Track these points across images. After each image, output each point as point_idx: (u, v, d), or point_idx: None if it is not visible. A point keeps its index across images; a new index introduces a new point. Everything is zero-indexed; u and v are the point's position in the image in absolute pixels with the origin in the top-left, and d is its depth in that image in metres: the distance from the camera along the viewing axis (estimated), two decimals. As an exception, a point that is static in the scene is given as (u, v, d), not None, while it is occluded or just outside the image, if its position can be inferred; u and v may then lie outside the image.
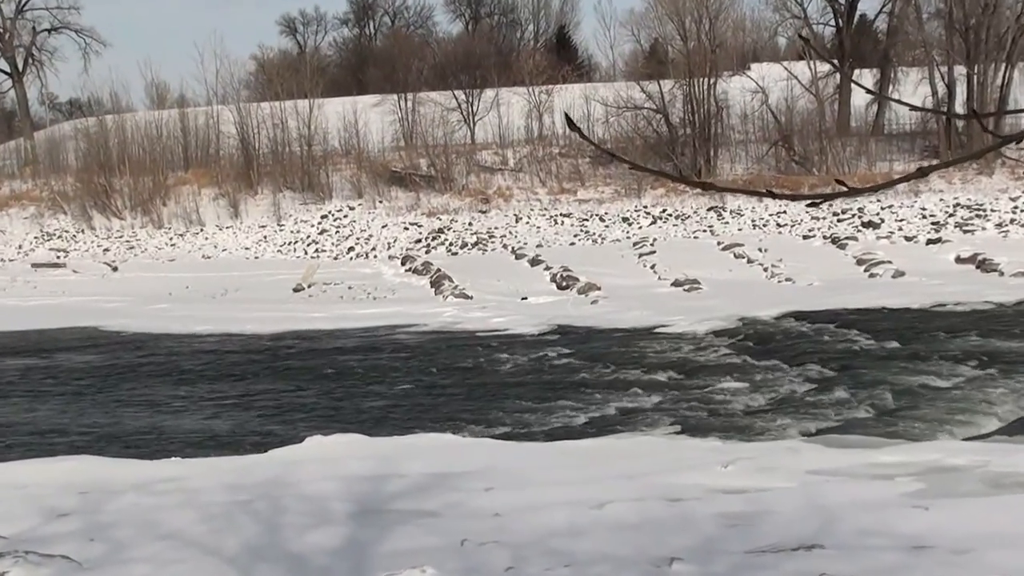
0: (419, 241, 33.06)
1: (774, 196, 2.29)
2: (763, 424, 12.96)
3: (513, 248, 31.31)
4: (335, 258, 32.59)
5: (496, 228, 33.63)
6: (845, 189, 2.28)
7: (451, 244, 32.63)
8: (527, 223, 33.94)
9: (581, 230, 32.95)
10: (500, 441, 11.59)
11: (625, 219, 33.44)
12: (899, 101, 2.43)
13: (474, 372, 17.41)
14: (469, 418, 14.03)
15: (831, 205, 32.05)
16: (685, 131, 37.45)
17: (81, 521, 7.51)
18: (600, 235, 32.33)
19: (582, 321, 21.51)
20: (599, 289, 24.92)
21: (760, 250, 28.19)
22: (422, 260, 29.97)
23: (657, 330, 20.21)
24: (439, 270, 27.89)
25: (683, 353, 18.00)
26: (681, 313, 21.37)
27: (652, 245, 29.90)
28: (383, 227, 34.80)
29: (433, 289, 26.50)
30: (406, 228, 34.44)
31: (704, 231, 31.69)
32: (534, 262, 28.86)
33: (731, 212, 33.04)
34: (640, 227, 32.77)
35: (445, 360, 18.44)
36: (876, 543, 6.20)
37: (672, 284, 25.39)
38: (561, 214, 34.33)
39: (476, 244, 32.32)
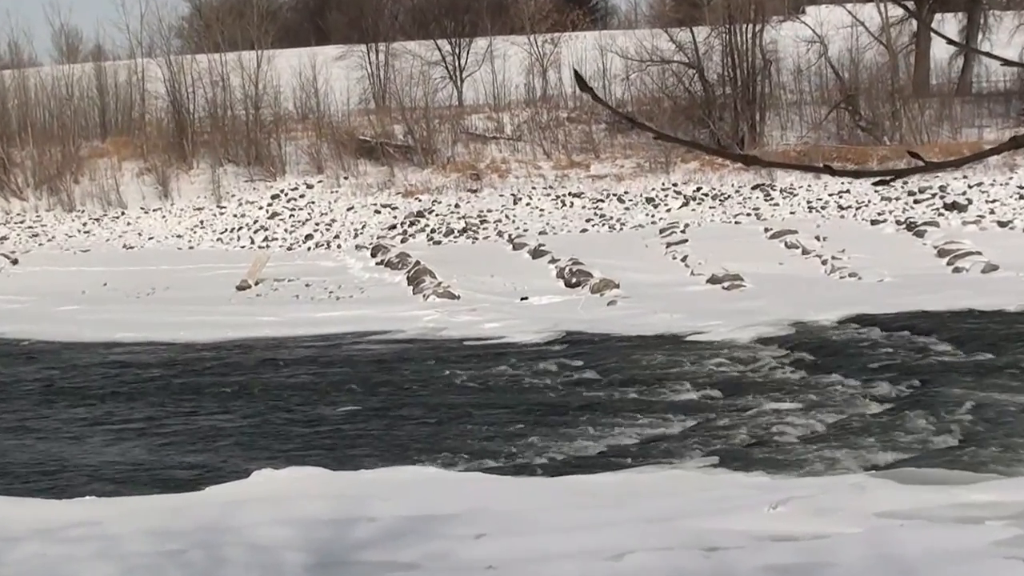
0: (393, 227, 33.09)
1: (834, 172, 2.30)
2: (821, 455, 13.01)
3: (510, 236, 31.34)
4: (289, 249, 32.64)
5: (489, 211, 33.66)
6: (923, 163, 2.29)
7: (433, 231, 32.66)
8: (528, 205, 34.00)
9: (595, 213, 32.98)
10: (494, 476, 11.61)
11: (650, 200, 33.48)
12: (990, 55, 2.43)
13: (461, 390, 17.46)
14: (455, 447, 14.10)
15: (905, 183, 32.09)
16: (724, 91, 37.46)
17: (-28, 576, 7.51)
18: (618, 220, 32.35)
19: (595, 327, 21.55)
20: (617, 287, 24.96)
21: (818, 238, 28.26)
22: (397, 251, 29.91)
23: (689, 338, 20.26)
24: (418, 263, 27.89)
25: (721, 367, 18.06)
26: (719, 317, 21.41)
27: (683, 232, 29.91)
28: (349, 210, 34.84)
29: (411, 287, 26.54)
30: (377, 211, 34.50)
31: (748, 215, 31.70)
32: (536, 253, 28.88)
33: (781, 191, 33.05)
34: (668, 210, 32.78)
35: (425, 375, 18.50)
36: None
37: (708, 281, 25.42)
38: (570, 194, 34.39)
39: (464, 231, 32.36)
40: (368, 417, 16.01)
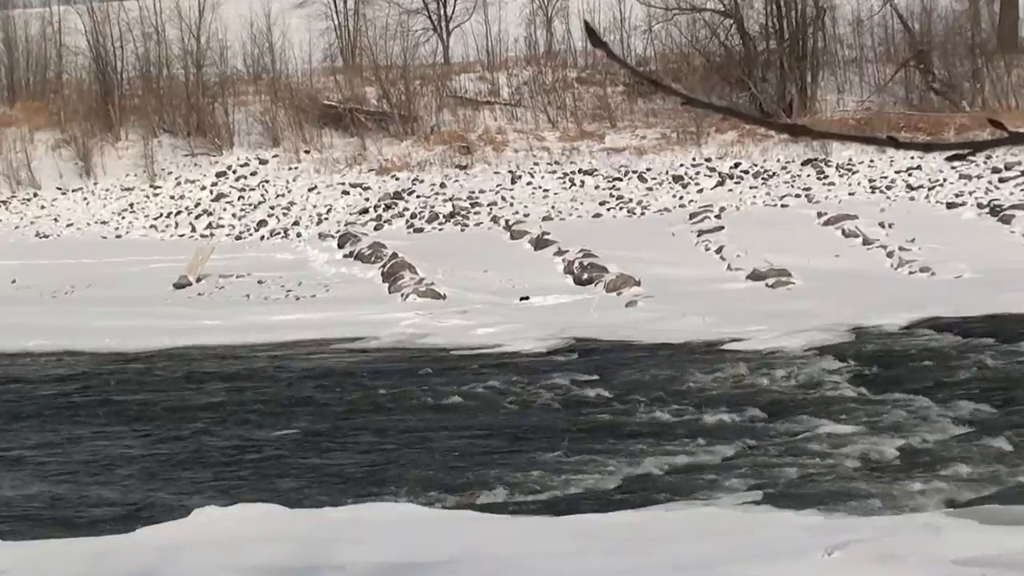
0: (365, 212, 33.12)
1: (900, 145, 2.31)
2: (886, 489, 13.03)
3: (507, 222, 31.34)
4: (238, 238, 32.65)
5: (482, 192, 33.64)
6: (1008, 134, 2.29)
7: (414, 216, 32.64)
8: (529, 185, 34.01)
9: (611, 195, 32.97)
10: (488, 515, 11.64)
11: (678, 178, 33.49)
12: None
13: (448, 410, 17.49)
14: (440, 480, 14.11)
15: (989, 157, 32.06)
16: (768, 45, 37.47)
17: None
18: (640, 203, 32.34)
19: (612, 332, 21.51)
20: (638, 284, 24.97)
21: (882, 225, 28.32)
22: (370, 241, 29.89)
23: (725, 347, 20.25)
24: (396, 256, 27.86)
25: (764, 382, 18.07)
26: (762, 320, 21.38)
27: (718, 218, 29.94)
28: (311, 190, 34.83)
29: (387, 284, 26.54)
30: (346, 192, 34.48)
31: (797, 196, 31.72)
32: (539, 243, 28.90)
33: (838, 168, 33.10)
34: (700, 190, 32.79)
35: (404, 392, 18.49)
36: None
37: (748, 277, 25.49)
38: (580, 171, 34.40)
39: (452, 217, 32.36)
40: (334, 443, 16.02)
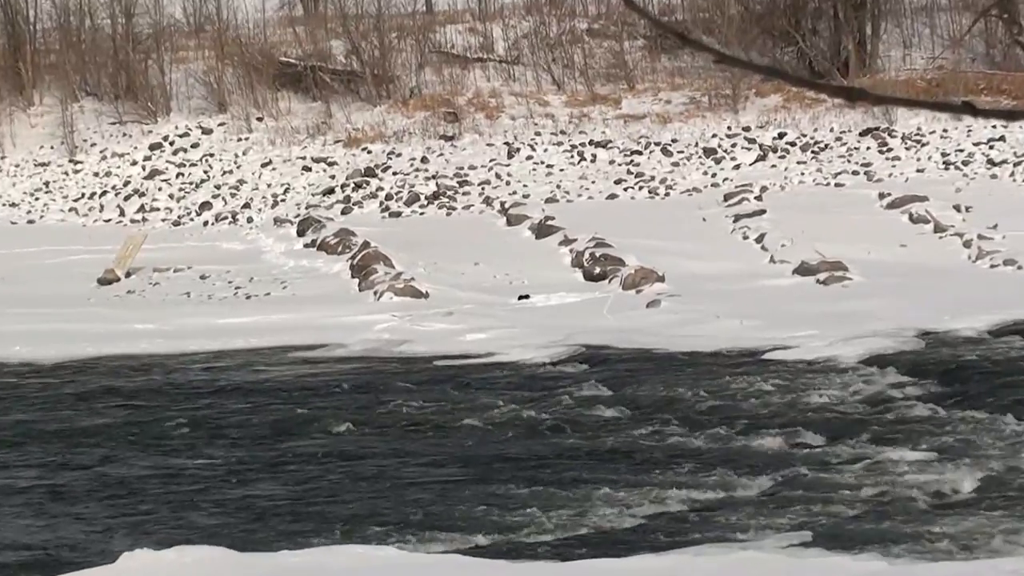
0: (331, 192, 33.05)
1: (980, 112, 2.28)
2: (962, 528, 12.96)
3: (503, 205, 31.25)
4: (176, 224, 32.54)
5: (472, 168, 33.55)
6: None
7: (390, 198, 32.56)
8: (529, 159, 33.91)
9: (628, 171, 32.86)
10: (479, 560, 11.55)
11: (710, 152, 33.40)
12: None
13: (430, 432, 17.41)
14: (421, 518, 14.06)
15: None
16: (819, -10, 37.37)
17: None
18: (664, 181, 32.24)
19: (629, 339, 21.44)
20: (661, 280, 24.90)
21: (957, 209, 28.25)
22: (336, 227, 29.83)
23: (767, 356, 20.18)
24: (367, 245, 27.76)
25: (815, 398, 18.00)
26: (811, 324, 21.31)
27: (758, 199, 29.84)
28: (264, 166, 34.75)
29: (357, 280, 26.50)
30: (307, 168, 34.42)
31: (855, 173, 31.62)
32: (542, 231, 28.82)
33: (904, 139, 33.04)
34: (737, 166, 32.70)
35: (378, 410, 18.42)
36: None
37: (795, 271, 25.43)
38: (592, 142, 34.25)
39: (436, 198, 32.27)
40: (293, 472, 15.93)
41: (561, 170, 33.20)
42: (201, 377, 21.05)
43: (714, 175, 32.31)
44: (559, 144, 34.37)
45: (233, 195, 33.67)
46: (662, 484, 14.71)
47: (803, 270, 25.29)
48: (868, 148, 32.81)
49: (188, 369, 21.60)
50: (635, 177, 32.52)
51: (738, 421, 17.03)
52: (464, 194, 32.42)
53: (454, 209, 31.83)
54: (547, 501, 14.34)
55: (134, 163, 35.44)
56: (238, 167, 34.87)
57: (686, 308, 23.09)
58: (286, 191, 33.46)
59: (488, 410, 18.15)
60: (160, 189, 34.24)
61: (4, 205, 34.16)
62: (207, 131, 36.37)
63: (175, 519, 14.47)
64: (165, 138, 36.19)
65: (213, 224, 32.37)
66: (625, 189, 32.03)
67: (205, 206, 33.25)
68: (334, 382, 20.17)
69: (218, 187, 34.06)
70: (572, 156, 33.78)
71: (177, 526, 14.10)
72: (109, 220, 32.93)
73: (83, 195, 34.35)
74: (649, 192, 31.82)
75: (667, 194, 31.61)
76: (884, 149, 32.69)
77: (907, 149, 32.58)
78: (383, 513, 14.26)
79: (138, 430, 18.07)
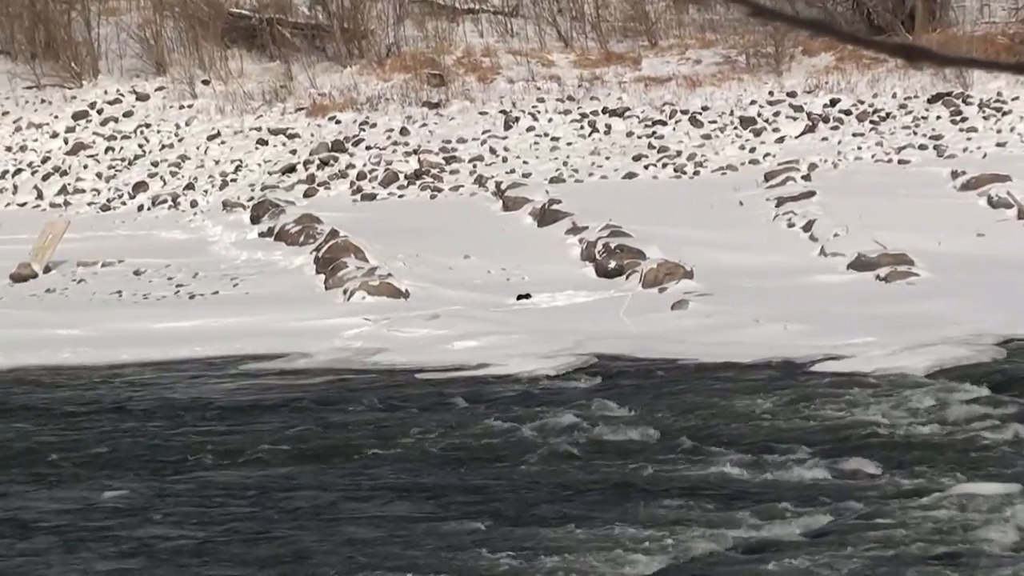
0: (292, 170, 33.20)
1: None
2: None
3: (499, 186, 31.38)
4: (105, 208, 32.75)
5: (462, 142, 33.68)
6: None
7: (362, 177, 32.70)
8: (531, 131, 34.03)
9: (650, 146, 32.96)
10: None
11: (748, 122, 33.53)
12: None
13: (413, 461, 17.28)
14: (405, 565, 14.01)
15: None
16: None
17: None
18: (692, 157, 32.35)
19: (650, 347, 21.51)
20: (689, 276, 24.99)
21: (1046, 191, 28.36)
22: (298, 212, 30.00)
23: (817, 367, 20.20)
24: (335, 235, 27.88)
25: (875, 419, 17.92)
26: (871, 330, 21.43)
27: (807, 179, 29.97)
28: (212, 139, 34.91)
29: (323, 277, 26.60)
30: (263, 142, 34.55)
31: (922, 148, 31.73)
32: (546, 217, 28.95)
33: (982, 107, 33.15)
34: (781, 139, 32.79)
35: (349, 435, 18.35)
36: None
37: (851, 266, 25.52)
38: (606, 110, 34.38)
39: (418, 177, 32.40)
40: (248, 513, 15.79)
41: (569, 144, 33.30)
42: (134, 393, 21.03)
43: (753, 150, 32.42)
44: (566, 113, 34.50)
45: (174, 174, 33.79)
46: (689, 522, 14.66)
47: (860, 264, 25.35)
48: (938, 117, 32.94)
49: (118, 383, 21.61)
50: (658, 152, 32.62)
51: (781, 447, 16.99)
52: (452, 173, 32.53)
53: (440, 191, 31.93)
54: (550, 544, 14.28)
55: (54, 135, 35.63)
56: (180, 140, 35.04)
57: (719, 310, 23.19)
58: (237, 169, 33.60)
59: (479, 434, 18.08)
60: (86, 167, 34.38)
61: (-101, 186, 34.32)
62: (142, 97, 36.58)
63: (108, 569, 14.39)
64: (92, 105, 36.41)
65: (150, 209, 32.48)
66: (646, 167, 32.12)
67: (140, 187, 33.37)
68: (294, 399, 20.18)
69: (156, 164, 34.17)
70: (582, 127, 33.93)
71: (68, 571, 14.10)
72: (24, 204, 33.16)
73: (-5, 174, 34.50)
74: (675, 170, 31.92)
75: (696, 173, 31.73)
76: (958, 119, 32.80)
77: (985, 119, 32.67)
78: (356, 560, 14.20)
79: (52, 456, 17.95)
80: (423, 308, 24.12)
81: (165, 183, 33.44)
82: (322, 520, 15.38)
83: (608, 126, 33.85)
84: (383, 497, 15.99)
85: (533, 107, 34.77)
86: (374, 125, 34.55)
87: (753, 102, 34.15)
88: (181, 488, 16.65)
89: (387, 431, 18.37)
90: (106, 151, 34.85)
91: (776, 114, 33.74)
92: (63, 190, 33.57)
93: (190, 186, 33.14)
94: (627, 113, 34.20)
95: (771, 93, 34.44)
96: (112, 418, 19.76)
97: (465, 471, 16.82)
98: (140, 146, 34.93)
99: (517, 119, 34.37)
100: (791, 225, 27.77)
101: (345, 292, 25.40)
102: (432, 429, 18.31)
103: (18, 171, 34.40)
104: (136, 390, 21.22)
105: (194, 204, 32.38)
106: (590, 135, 33.62)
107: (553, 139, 33.53)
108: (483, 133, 33.94)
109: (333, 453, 17.70)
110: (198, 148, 34.61)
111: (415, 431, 18.26)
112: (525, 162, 32.53)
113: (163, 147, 34.80)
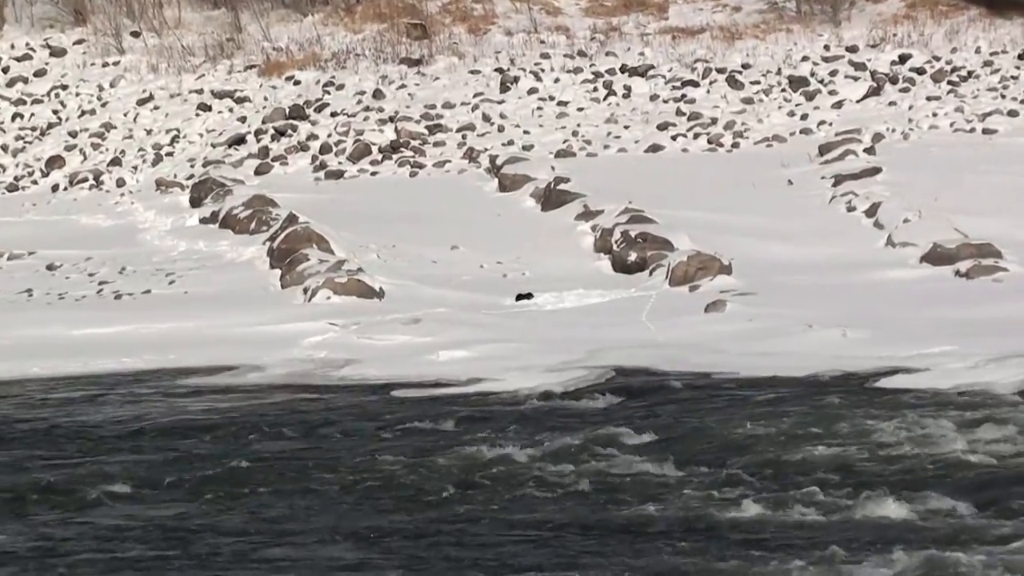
0: (241, 142, 33.51)
1: None
2: None
3: (493, 161, 31.66)
4: (12, 188, 33.38)
5: (449, 107, 34.14)
6: None
7: (327, 150, 33.10)
8: (532, 93, 34.52)
9: (679, 112, 33.39)
10: None
11: (799, 83, 33.80)
12: None
13: (386, 501, 17.11)
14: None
15: None
16: None
17: None
18: (730, 126, 32.72)
19: (679, 358, 21.65)
20: (726, 271, 25.25)
21: None
22: (249, 194, 30.23)
23: (885, 382, 20.32)
24: (295, 220, 28.13)
25: (955, 444, 17.90)
26: (949, 336, 21.58)
27: (870, 152, 30.22)
28: (143, 104, 35.35)
29: (279, 272, 26.85)
30: (205, 108, 34.98)
31: (1012, 114, 32.18)
32: (551, 199, 29.22)
33: (1082, 64, 33.47)
34: (839, 103, 33.25)
35: (310, 468, 18.22)
36: None
37: (925, 259, 25.71)
38: (625, 69, 34.76)
39: (395, 150, 32.79)
40: (154, 561, 15.46)
41: (579, 109, 33.70)
42: (45, 414, 21.08)
43: (804, 117, 32.81)
44: (576, 71, 34.88)
45: (96, 147, 34.12)
46: (731, 571, 14.45)
47: (935, 257, 25.51)
48: (1028, 77, 33.13)
49: (26, 402, 21.79)
50: (688, 120, 32.99)
51: (841, 479, 16.97)
52: (436, 145, 32.85)
53: (421, 167, 32.25)
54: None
55: (-49, 101, 36.06)
56: (103, 105, 35.44)
57: (763, 312, 23.33)
58: (174, 141, 33.90)
59: (470, 465, 17.99)
60: (-7, 141, 34.64)
61: None
62: (57, 52, 36.95)
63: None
64: (-3, 66, 36.75)
65: (67, 189, 32.88)
66: (674, 137, 32.45)
67: (55, 162, 33.70)
68: (241, 422, 20.24)
69: (74, 135, 34.51)
70: (595, 89, 34.30)
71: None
72: (-82, 186, 33.49)
73: None
74: (709, 142, 32.29)
75: (735, 145, 32.14)
76: (1055, 79, 33.02)
77: (1087, 81, 33.00)
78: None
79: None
80: (401, 310, 24.25)
81: (85, 158, 33.76)
82: (326, 561, 15.21)
83: (627, 88, 34.19)
84: (372, 541, 15.75)
85: (536, 65, 35.17)
86: (341, 87, 34.89)
87: (805, 59, 34.54)
88: (82, 529, 16.42)
89: (356, 463, 18.29)
90: (13, 118, 35.31)
91: (833, 73, 34.09)
92: (-35, 171, 33.88)
93: (116, 161, 33.47)
94: (650, 72, 34.46)
95: (827, 48, 34.80)
96: (13, 444, 19.70)
97: (448, 510, 16.71)
98: (55, 112, 35.37)
99: (516, 79, 34.67)
100: (851, 209, 27.98)
101: (306, 291, 25.54)
102: (410, 459, 18.24)
103: (-92, 146, 34.72)
104: (48, 410, 21.29)
105: (121, 183, 32.70)
106: (605, 99, 33.99)
107: (560, 104, 33.87)
108: (474, 96, 34.28)
109: (285, 491, 17.52)
110: (125, 115, 34.95)
111: (387, 461, 18.19)
112: (526, 132, 32.84)
113: (83, 113, 35.23)
